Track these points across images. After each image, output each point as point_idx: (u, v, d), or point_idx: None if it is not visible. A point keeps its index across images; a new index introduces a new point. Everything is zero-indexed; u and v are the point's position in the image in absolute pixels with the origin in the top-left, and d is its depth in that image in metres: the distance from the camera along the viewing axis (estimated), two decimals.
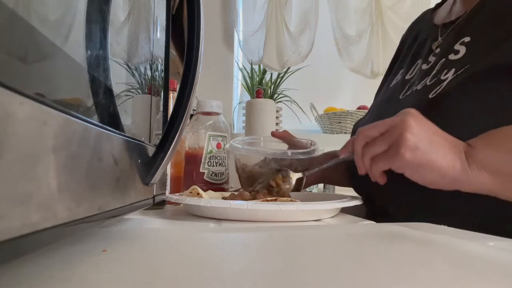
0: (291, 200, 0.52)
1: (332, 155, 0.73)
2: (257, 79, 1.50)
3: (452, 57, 0.54)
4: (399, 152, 0.44)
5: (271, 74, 1.55)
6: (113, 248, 0.26)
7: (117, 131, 0.26)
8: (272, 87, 1.47)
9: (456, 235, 0.33)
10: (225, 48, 1.65)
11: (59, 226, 0.17)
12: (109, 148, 0.24)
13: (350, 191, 0.68)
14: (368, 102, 1.56)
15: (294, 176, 0.60)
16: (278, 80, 1.48)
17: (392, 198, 0.54)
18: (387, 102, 0.66)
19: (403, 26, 1.74)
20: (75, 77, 0.21)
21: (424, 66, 0.60)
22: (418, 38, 0.69)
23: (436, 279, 0.20)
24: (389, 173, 0.48)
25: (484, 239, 0.31)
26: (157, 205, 0.56)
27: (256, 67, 1.55)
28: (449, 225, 0.39)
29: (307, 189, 1.16)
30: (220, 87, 1.58)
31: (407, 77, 0.64)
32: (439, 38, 0.61)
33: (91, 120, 0.21)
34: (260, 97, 1.34)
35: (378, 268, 0.22)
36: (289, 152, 0.63)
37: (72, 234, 0.21)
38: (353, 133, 0.74)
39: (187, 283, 0.19)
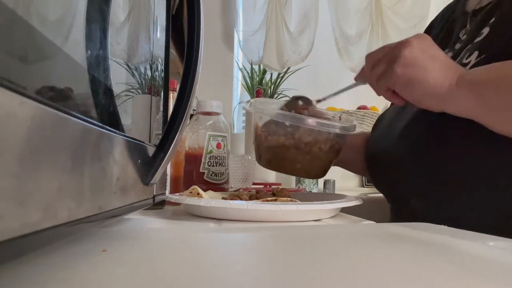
0: (291, 200, 0.52)
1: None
2: (257, 79, 1.50)
3: (477, 40, 0.53)
4: (392, 68, 0.47)
5: (271, 74, 1.55)
6: (113, 248, 0.26)
7: (117, 131, 0.26)
8: (272, 87, 1.47)
9: (456, 235, 0.33)
10: (225, 48, 1.65)
11: (59, 226, 0.17)
12: (109, 148, 0.24)
13: (349, 192, 0.68)
14: (368, 102, 1.57)
15: (315, 104, 0.59)
16: (278, 80, 1.48)
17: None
18: None
19: (403, 26, 1.76)
20: (75, 77, 0.21)
21: (450, 55, 0.58)
22: (446, 27, 0.65)
23: (436, 279, 0.20)
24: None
25: (484, 239, 0.31)
26: (157, 205, 0.56)
27: (256, 67, 1.55)
28: None
29: (307, 189, 1.16)
30: (220, 87, 1.58)
31: None
32: (467, 25, 0.58)
33: (91, 120, 0.21)
34: (260, 97, 1.34)
35: (378, 268, 0.22)
36: (336, 124, 0.56)
37: (72, 234, 0.21)
38: (375, 126, 0.73)
39: (187, 283, 0.19)
